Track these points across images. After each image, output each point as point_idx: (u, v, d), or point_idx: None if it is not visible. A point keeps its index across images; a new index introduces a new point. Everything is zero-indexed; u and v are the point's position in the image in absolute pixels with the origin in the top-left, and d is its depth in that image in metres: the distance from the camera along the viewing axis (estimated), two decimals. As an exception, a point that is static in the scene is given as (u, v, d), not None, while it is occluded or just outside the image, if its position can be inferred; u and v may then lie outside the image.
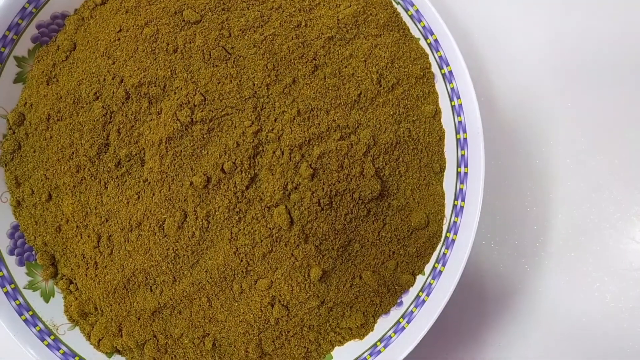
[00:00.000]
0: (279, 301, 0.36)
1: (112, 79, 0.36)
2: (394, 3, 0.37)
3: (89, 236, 0.38)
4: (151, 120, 0.36)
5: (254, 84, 0.35)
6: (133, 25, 0.37)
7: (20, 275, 0.39)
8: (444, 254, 0.37)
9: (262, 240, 0.35)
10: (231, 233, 0.35)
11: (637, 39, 0.45)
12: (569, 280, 0.44)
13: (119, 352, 0.39)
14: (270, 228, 0.35)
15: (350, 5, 0.37)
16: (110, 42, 0.37)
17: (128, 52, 0.36)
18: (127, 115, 0.36)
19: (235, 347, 0.38)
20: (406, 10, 0.37)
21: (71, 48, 0.39)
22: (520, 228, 0.45)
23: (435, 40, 0.36)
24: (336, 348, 0.39)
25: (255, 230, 0.35)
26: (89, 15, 0.39)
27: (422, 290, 0.38)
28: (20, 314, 0.38)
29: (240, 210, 0.35)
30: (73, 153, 0.37)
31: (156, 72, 0.36)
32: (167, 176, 0.35)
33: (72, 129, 0.37)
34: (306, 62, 0.36)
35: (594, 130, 0.45)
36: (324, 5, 0.37)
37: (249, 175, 0.35)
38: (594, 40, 0.46)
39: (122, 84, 0.36)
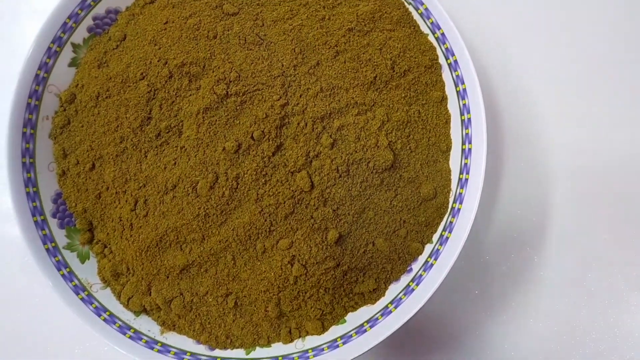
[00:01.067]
0: (298, 260, 0.40)
1: (158, 61, 0.41)
2: (405, 3, 0.43)
3: (126, 201, 0.42)
4: (190, 95, 0.41)
5: (282, 65, 0.40)
6: (178, 17, 0.43)
7: (60, 237, 0.42)
8: (450, 222, 0.41)
9: (285, 202, 0.39)
10: (257, 194, 0.39)
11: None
12: (567, 242, 0.48)
13: (146, 312, 0.42)
14: (292, 190, 0.39)
15: (368, 4, 0.42)
16: (157, 32, 0.43)
17: (173, 39, 0.42)
18: (169, 92, 0.41)
19: (255, 306, 0.41)
20: (416, 9, 0.43)
21: (121, 38, 0.44)
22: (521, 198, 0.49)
23: (442, 34, 0.42)
24: (349, 314, 0.42)
25: (279, 192, 0.39)
26: (139, 12, 0.45)
27: (430, 256, 0.41)
28: (59, 269, 0.41)
29: (266, 174, 0.39)
30: (118, 126, 0.42)
31: (197, 54, 0.41)
32: (202, 142, 0.40)
33: (119, 105, 0.42)
34: (329, 48, 0.41)
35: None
36: (345, 3, 0.43)
37: (276, 143, 0.39)
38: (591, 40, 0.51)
39: (167, 65, 0.41)
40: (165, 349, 0.40)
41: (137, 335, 0.40)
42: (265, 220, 0.39)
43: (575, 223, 0.49)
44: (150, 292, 0.42)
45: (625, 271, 0.48)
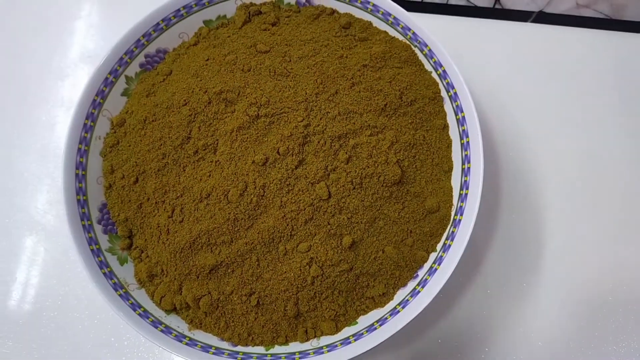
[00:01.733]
0: (316, 262, 0.44)
1: (199, 90, 0.48)
2: (412, 45, 0.50)
3: (165, 209, 0.47)
4: (226, 117, 0.47)
5: (306, 93, 0.47)
6: (218, 55, 0.50)
7: (103, 241, 0.48)
8: (452, 232, 0.45)
9: (305, 208, 0.44)
10: (281, 201, 0.44)
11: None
12: (565, 236, 0.54)
13: (175, 311, 0.46)
14: (312, 199, 0.44)
15: (380, 46, 0.50)
16: (199, 67, 0.50)
17: (213, 72, 0.49)
18: (208, 115, 0.47)
19: (275, 305, 0.45)
20: (421, 51, 0.50)
21: (168, 73, 0.51)
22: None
23: (444, 71, 0.48)
24: (360, 317, 0.46)
25: (300, 200, 0.44)
26: (184, 52, 0.53)
27: (434, 262, 0.45)
28: (101, 268, 0.46)
29: (289, 184, 0.45)
30: (161, 144, 0.48)
31: (233, 83, 0.48)
32: (234, 156, 0.46)
33: (163, 127, 0.48)
34: (346, 80, 0.48)
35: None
36: (360, 45, 0.50)
37: (298, 158, 0.45)
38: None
39: (206, 92, 0.48)
40: (192, 342, 0.44)
41: (167, 330, 0.44)
42: (287, 225, 0.44)
43: (570, 229, 0.55)
44: (181, 291, 0.46)
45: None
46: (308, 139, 0.46)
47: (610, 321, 0.51)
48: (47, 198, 0.58)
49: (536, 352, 0.51)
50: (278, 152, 0.45)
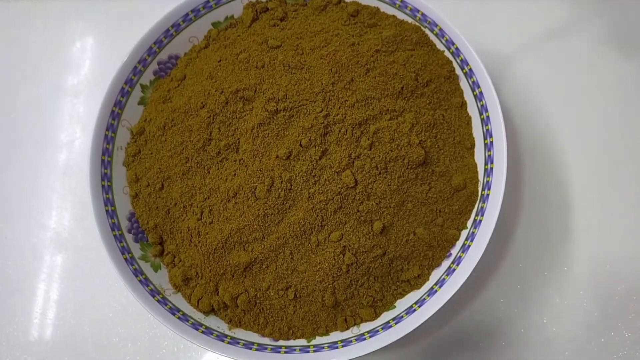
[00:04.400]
0: (349, 250, 0.44)
1: (215, 91, 0.48)
2: (422, 27, 0.50)
3: (193, 212, 0.47)
4: (245, 115, 0.47)
5: (322, 83, 0.47)
6: (230, 55, 0.50)
7: (135, 249, 0.48)
8: (482, 207, 0.45)
9: (333, 198, 0.44)
10: (309, 193, 0.44)
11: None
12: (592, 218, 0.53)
13: (214, 312, 0.47)
14: (339, 187, 0.44)
15: (390, 30, 0.50)
16: (213, 68, 0.50)
17: (227, 72, 0.49)
18: (226, 115, 0.48)
19: (313, 296, 0.45)
20: (432, 31, 0.50)
21: (182, 78, 0.52)
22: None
23: (457, 48, 0.48)
24: (398, 300, 0.46)
25: (328, 190, 0.44)
26: (195, 56, 0.53)
27: (466, 239, 0.45)
28: (136, 276, 0.46)
29: (315, 174, 0.45)
30: (183, 149, 0.48)
31: (249, 81, 0.48)
32: (258, 152, 0.46)
33: (183, 131, 0.49)
34: (360, 66, 0.48)
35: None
36: (370, 31, 0.50)
37: (321, 149, 0.45)
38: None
39: (223, 93, 0.48)
40: (234, 341, 0.44)
41: (208, 331, 0.45)
42: (317, 216, 0.44)
43: (596, 200, 0.54)
44: (218, 292, 0.46)
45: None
46: (329, 128, 0.46)
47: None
48: (72, 214, 0.58)
49: (575, 322, 0.50)
50: (300, 145, 0.45)
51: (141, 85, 0.51)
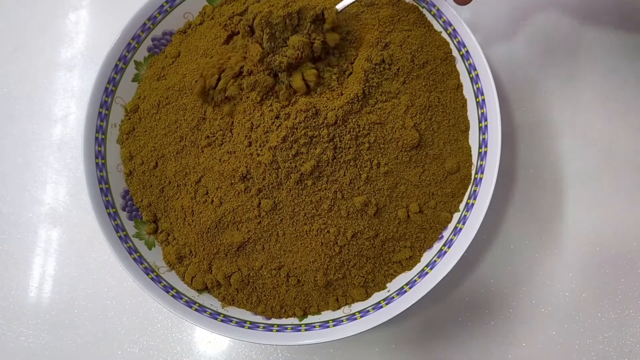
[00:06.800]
0: (341, 231, 0.45)
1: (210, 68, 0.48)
2: (420, 7, 0.50)
3: (187, 191, 0.47)
4: (240, 95, 0.47)
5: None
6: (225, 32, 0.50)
7: (129, 227, 0.48)
8: (474, 190, 0.46)
9: (327, 179, 0.44)
10: (302, 173, 0.45)
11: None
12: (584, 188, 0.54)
13: (207, 289, 0.47)
14: (333, 169, 0.44)
15: (387, 10, 0.49)
16: (207, 46, 0.50)
17: (222, 50, 0.49)
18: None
19: (305, 276, 0.45)
20: (429, 11, 0.49)
21: (176, 55, 0.51)
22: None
23: (454, 30, 0.48)
24: (389, 282, 0.47)
25: (322, 171, 0.44)
26: (190, 32, 0.52)
27: (458, 222, 0.46)
28: (130, 254, 0.46)
29: (309, 156, 0.45)
30: (177, 127, 0.48)
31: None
32: (251, 133, 0.46)
33: (177, 109, 0.48)
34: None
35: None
36: (367, 11, 0.50)
37: (314, 131, 0.45)
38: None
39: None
40: (227, 319, 0.45)
41: (201, 309, 0.45)
42: (310, 197, 0.45)
43: (588, 180, 0.55)
44: (211, 270, 0.47)
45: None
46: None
47: (636, 265, 0.52)
48: (67, 190, 0.59)
49: (564, 303, 0.51)
50: (295, 127, 0.45)
51: (135, 62, 0.51)
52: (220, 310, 0.46)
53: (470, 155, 0.47)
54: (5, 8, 0.65)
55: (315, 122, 0.45)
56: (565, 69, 0.57)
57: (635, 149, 0.55)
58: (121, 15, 0.51)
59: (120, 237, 0.47)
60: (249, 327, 0.45)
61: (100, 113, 0.48)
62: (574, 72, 0.57)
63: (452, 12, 0.47)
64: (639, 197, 0.54)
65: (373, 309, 0.44)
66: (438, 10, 0.48)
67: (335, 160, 0.44)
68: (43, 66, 0.63)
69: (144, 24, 0.50)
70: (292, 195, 0.45)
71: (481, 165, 0.46)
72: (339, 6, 0.47)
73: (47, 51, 0.64)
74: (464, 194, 0.47)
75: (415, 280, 0.44)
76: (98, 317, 0.55)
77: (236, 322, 0.45)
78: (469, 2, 0.46)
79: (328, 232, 0.45)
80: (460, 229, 0.45)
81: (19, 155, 0.60)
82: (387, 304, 0.44)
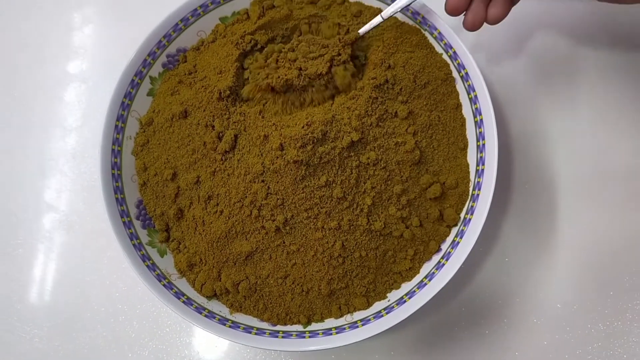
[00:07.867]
0: (345, 243, 0.47)
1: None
2: (422, 30, 0.52)
3: (199, 202, 0.50)
4: (251, 110, 0.49)
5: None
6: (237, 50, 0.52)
7: (143, 235, 0.51)
8: (472, 206, 0.48)
9: (332, 193, 0.47)
10: (309, 187, 0.47)
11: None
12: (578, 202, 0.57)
13: (216, 296, 0.50)
14: (339, 181, 0.47)
15: (391, 32, 0.52)
16: (220, 63, 0.52)
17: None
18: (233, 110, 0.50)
19: (310, 285, 0.48)
20: (431, 34, 0.51)
21: (190, 71, 0.54)
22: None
23: (454, 52, 0.50)
24: (390, 292, 0.49)
25: (328, 184, 0.47)
26: (203, 50, 0.55)
27: (456, 236, 0.48)
28: (144, 261, 0.49)
29: (316, 170, 0.47)
30: (190, 140, 0.51)
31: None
32: (261, 152, 0.48)
33: (190, 123, 0.51)
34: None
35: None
36: (372, 33, 0.52)
37: (322, 145, 0.48)
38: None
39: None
40: (235, 325, 0.47)
41: (211, 315, 0.48)
42: (316, 210, 0.47)
43: (582, 195, 0.57)
44: (220, 278, 0.49)
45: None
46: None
47: (624, 280, 0.54)
48: (81, 198, 0.61)
49: (556, 315, 0.54)
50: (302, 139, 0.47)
51: (150, 77, 0.53)
52: (229, 316, 0.48)
53: (468, 173, 0.50)
54: (24, 23, 0.68)
55: (327, 141, 0.47)
56: (561, 86, 0.60)
57: (628, 162, 0.57)
58: (133, 30, 0.54)
59: (134, 245, 0.49)
60: (255, 333, 0.47)
61: (116, 126, 0.51)
62: (569, 88, 0.60)
63: (452, 35, 0.50)
64: (632, 210, 0.56)
65: (374, 317, 0.47)
66: (440, 33, 0.51)
67: (344, 177, 0.47)
68: (58, 78, 0.65)
69: (160, 41, 0.53)
70: (300, 211, 0.47)
71: (478, 182, 0.48)
72: (362, 31, 0.49)
73: (62, 63, 0.66)
74: (462, 209, 0.49)
75: (415, 291, 0.47)
76: (109, 321, 0.57)
77: (244, 328, 0.47)
78: (478, 29, 0.49)
79: (334, 245, 0.47)
80: (458, 242, 0.47)
81: (35, 164, 0.62)
82: (387, 313, 0.46)
